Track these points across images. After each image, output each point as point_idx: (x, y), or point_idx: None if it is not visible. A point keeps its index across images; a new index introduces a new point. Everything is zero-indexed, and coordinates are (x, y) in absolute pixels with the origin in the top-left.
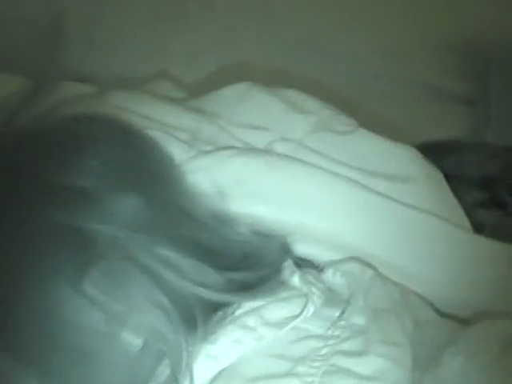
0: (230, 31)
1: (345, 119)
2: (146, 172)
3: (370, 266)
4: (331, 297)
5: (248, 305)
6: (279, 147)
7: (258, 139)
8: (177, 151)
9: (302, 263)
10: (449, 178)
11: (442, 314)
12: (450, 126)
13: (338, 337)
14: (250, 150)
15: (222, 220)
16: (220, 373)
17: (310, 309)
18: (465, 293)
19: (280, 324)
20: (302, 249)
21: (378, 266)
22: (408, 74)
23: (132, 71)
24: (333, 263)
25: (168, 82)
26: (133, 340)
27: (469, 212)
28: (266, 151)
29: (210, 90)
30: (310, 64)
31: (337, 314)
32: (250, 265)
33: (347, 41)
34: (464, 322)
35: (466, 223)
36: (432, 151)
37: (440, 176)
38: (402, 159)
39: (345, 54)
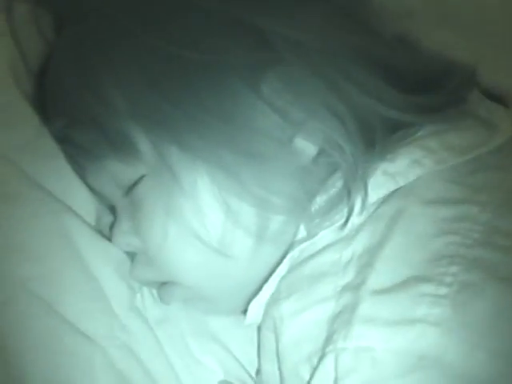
0: None
1: None
2: None
3: None
4: None
5: (431, 127)
6: None
7: None
8: None
9: (490, 96)
10: None
11: None
12: None
13: None
14: None
15: (408, 42)
16: (396, 191)
17: (495, 140)
18: None
19: (463, 150)
20: (492, 81)
21: None
22: None
23: None
24: None
25: None
26: (307, 147)
27: None
28: None
29: None
30: None
31: None
32: (435, 89)
33: None
34: None
35: None
36: None
37: None
38: None
39: None
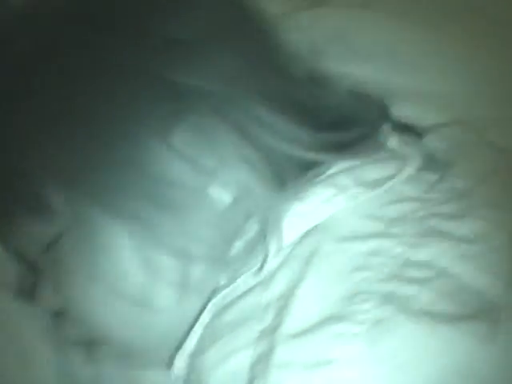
0: None
1: None
2: (244, 27)
3: (474, 129)
4: (431, 161)
5: (342, 164)
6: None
7: None
8: (272, 7)
9: (402, 127)
10: None
11: None
12: None
13: (436, 200)
14: (347, 6)
15: (318, 80)
16: (309, 231)
17: (407, 171)
18: None
19: (375, 184)
20: (403, 111)
21: (488, 125)
22: None
23: None
24: (434, 127)
25: None
26: (222, 195)
27: None
28: (364, 6)
29: None
30: None
31: (435, 178)
32: (346, 125)
33: None
34: None
35: None
36: None
37: None
38: None
39: None
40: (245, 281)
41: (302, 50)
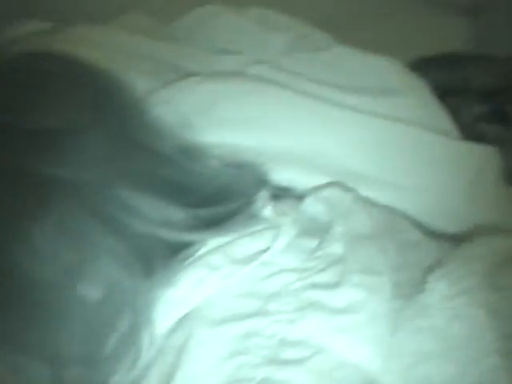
0: None
1: (319, 36)
2: (106, 109)
3: (350, 189)
4: (309, 226)
5: (213, 242)
6: (253, 70)
7: (229, 63)
8: (140, 83)
9: (281, 193)
10: (452, 92)
11: (433, 235)
12: (451, 38)
13: (312, 269)
14: (217, 75)
15: (190, 153)
16: (184, 317)
17: (281, 241)
18: (451, 200)
19: (248, 260)
20: (280, 177)
21: (364, 183)
22: None
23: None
24: (312, 190)
25: (139, 14)
26: (90, 291)
27: (471, 125)
28: (236, 75)
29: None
30: None
31: (314, 244)
32: (221, 199)
33: None
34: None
35: (454, 132)
36: (433, 65)
37: (424, 87)
38: (383, 72)
39: None
40: (118, 380)
41: (172, 125)
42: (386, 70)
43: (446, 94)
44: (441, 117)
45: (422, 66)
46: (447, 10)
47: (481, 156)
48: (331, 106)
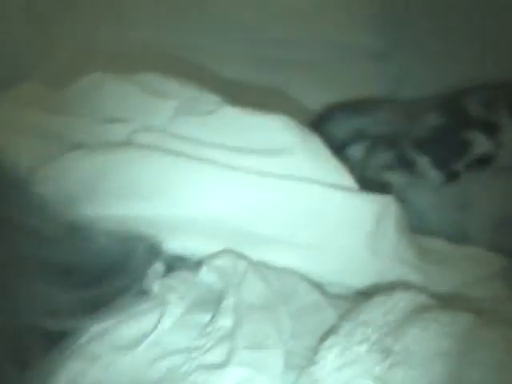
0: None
1: (208, 98)
2: None
3: (244, 256)
4: (204, 298)
5: (95, 328)
6: (141, 138)
7: (116, 132)
8: (24, 160)
9: (177, 263)
10: (363, 138)
11: (333, 296)
12: (363, 83)
13: (201, 347)
14: (102, 146)
15: (76, 232)
16: None
17: (168, 321)
18: (352, 254)
19: (133, 344)
20: (176, 245)
21: (263, 245)
22: (317, 35)
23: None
24: (206, 259)
25: (35, 83)
26: None
27: (377, 175)
28: (122, 145)
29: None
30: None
31: (207, 318)
32: (110, 277)
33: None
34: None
35: (352, 185)
36: (345, 111)
37: (318, 142)
38: (274, 131)
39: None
40: None
41: (57, 202)
42: (278, 128)
43: (357, 140)
44: (336, 171)
45: (333, 113)
46: (358, 55)
47: (379, 206)
48: (224, 169)
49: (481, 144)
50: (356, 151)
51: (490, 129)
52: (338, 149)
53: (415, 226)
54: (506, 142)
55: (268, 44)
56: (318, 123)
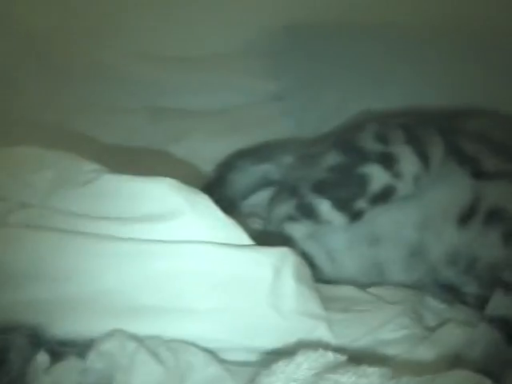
0: None
1: (86, 167)
2: None
3: (133, 337)
4: None
5: None
6: (18, 216)
7: None
8: None
9: (64, 349)
10: (265, 185)
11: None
12: (265, 127)
13: None
14: None
15: None
16: None
17: None
18: (253, 313)
19: None
20: (64, 328)
21: (157, 316)
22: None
23: None
24: (95, 342)
25: None
26: None
27: (279, 226)
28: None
29: None
30: None
31: None
32: None
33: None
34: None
35: (245, 239)
36: (249, 159)
37: (206, 202)
38: (159, 195)
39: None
40: None
41: None
42: (163, 192)
43: (261, 187)
44: (228, 229)
45: (236, 161)
46: (257, 100)
47: (276, 259)
48: (106, 241)
49: (379, 177)
50: (260, 198)
51: (387, 160)
52: (243, 197)
53: (329, 273)
54: (404, 172)
55: (164, 95)
56: (222, 172)
